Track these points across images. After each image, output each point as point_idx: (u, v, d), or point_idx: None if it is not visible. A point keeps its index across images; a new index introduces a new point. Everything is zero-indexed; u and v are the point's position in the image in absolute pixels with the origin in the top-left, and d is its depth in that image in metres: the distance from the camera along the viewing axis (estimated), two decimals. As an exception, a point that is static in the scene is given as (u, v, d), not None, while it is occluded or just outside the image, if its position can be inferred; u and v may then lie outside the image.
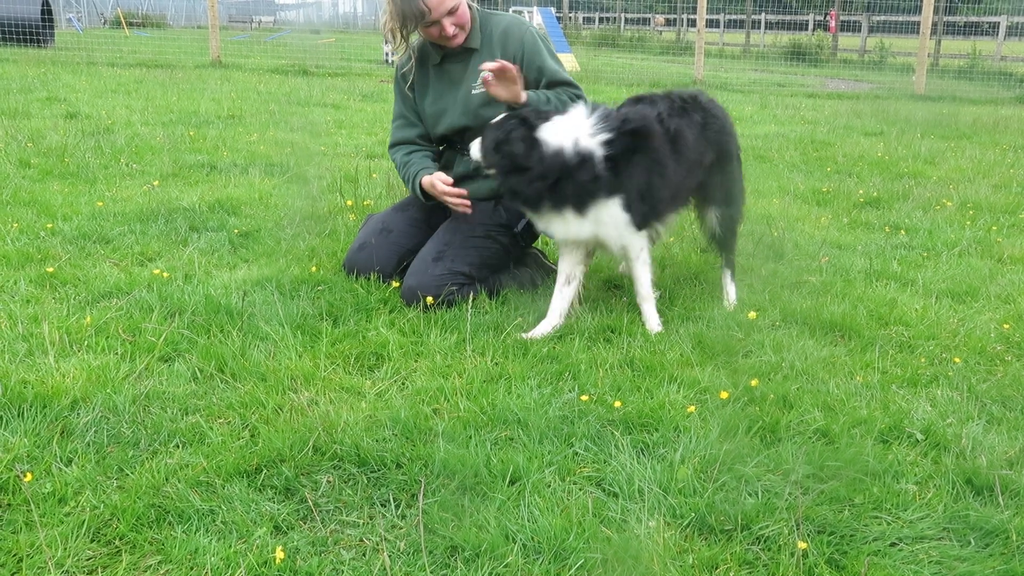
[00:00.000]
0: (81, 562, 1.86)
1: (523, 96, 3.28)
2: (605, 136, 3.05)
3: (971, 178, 6.45)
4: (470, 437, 2.38)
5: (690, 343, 3.10)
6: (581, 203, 3.08)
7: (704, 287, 3.76)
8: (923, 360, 3.04)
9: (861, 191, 5.82)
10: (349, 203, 4.86)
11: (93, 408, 2.43)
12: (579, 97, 3.45)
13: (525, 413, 2.50)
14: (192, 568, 1.85)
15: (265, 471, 2.20)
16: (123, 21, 25.44)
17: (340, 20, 42.81)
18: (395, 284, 3.49)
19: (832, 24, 23.75)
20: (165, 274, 3.56)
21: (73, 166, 5.60)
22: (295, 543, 1.94)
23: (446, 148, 3.71)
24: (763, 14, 26.28)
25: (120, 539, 1.94)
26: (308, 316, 3.18)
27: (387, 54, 16.53)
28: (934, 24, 16.45)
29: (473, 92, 3.46)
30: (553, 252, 3.97)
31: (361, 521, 2.04)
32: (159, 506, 2.04)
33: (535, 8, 18.16)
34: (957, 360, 3.03)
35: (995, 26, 21.13)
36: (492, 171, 3.15)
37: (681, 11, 26.67)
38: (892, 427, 2.53)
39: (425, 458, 2.27)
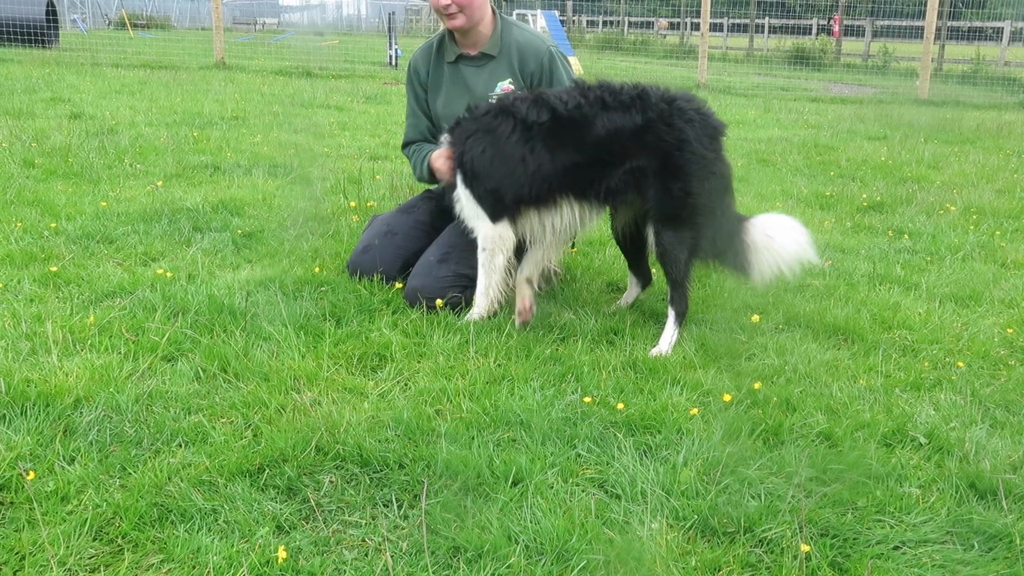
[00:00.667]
0: (83, 560, 1.86)
1: None
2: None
3: (975, 183, 6.44)
4: (473, 438, 2.37)
5: (693, 346, 3.10)
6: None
7: (706, 290, 3.76)
8: (926, 364, 3.03)
9: (864, 195, 5.81)
10: (352, 204, 4.86)
11: (96, 407, 2.43)
12: None
13: (528, 414, 2.50)
14: (194, 567, 1.85)
15: (268, 471, 2.20)
16: (127, 22, 25.50)
17: (344, 22, 42.89)
18: (398, 285, 3.49)
19: (836, 28, 23.74)
20: (168, 274, 3.56)
21: (77, 166, 5.61)
22: (297, 543, 1.94)
23: None
24: (767, 18, 26.28)
25: (122, 538, 1.94)
26: (311, 317, 3.18)
27: (391, 56, 16.55)
28: (938, 29, 16.44)
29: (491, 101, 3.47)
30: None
31: (363, 521, 2.04)
32: (161, 505, 2.04)
33: (539, 11, 18.16)
34: (961, 364, 3.03)
35: (999, 31, 21.13)
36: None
37: (685, 15, 26.68)
38: (895, 431, 2.53)
39: (428, 459, 2.26)
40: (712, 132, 3.12)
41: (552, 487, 2.18)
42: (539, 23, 16.77)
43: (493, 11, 3.55)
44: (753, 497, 2.16)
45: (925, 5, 13.84)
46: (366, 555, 1.93)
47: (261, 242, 4.17)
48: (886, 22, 22.25)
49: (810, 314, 3.43)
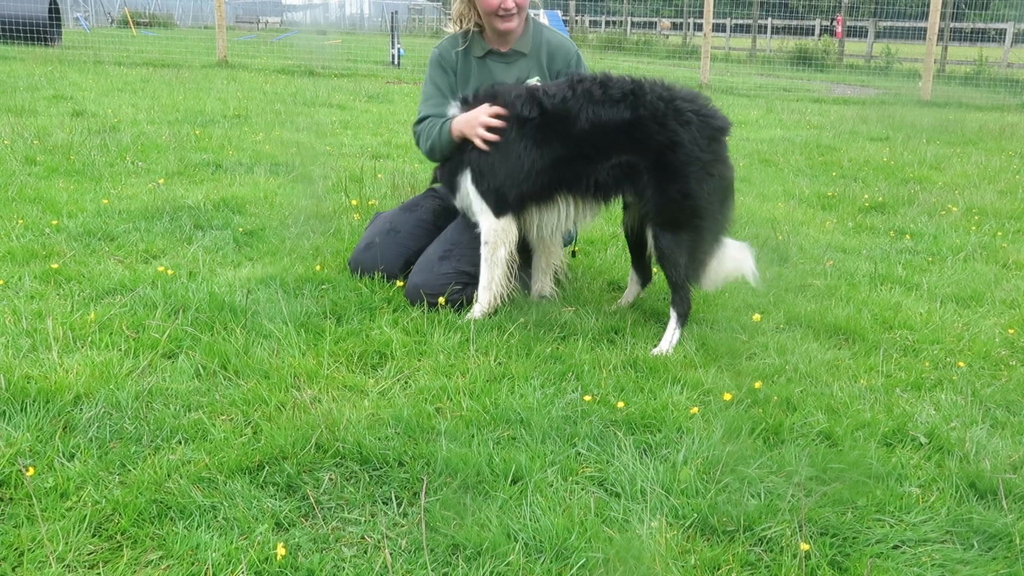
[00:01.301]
0: (82, 557, 1.86)
1: None
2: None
3: (977, 184, 6.43)
4: (472, 436, 2.37)
5: (694, 345, 3.09)
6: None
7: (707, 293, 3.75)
8: (927, 364, 3.03)
9: (866, 196, 5.81)
10: (354, 203, 4.86)
11: (96, 404, 2.43)
12: None
13: (528, 413, 2.50)
14: (193, 564, 1.85)
15: (267, 468, 2.20)
16: (130, 21, 25.50)
17: (347, 21, 42.88)
18: (399, 283, 3.49)
19: (839, 29, 23.73)
20: (169, 271, 3.56)
21: (79, 164, 5.61)
22: (296, 540, 1.94)
23: None
24: (769, 19, 26.26)
25: (121, 534, 1.94)
26: (312, 314, 3.18)
27: (393, 56, 16.55)
28: (940, 30, 16.41)
29: None
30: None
31: (363, 519, 2.04)
32: (161, 502, 2.04)
33: (542, 11, 18.14)
34: (961, 364, 3.02)
35: (1002, 33, 21.11)
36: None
37: (687, 15, 26.67)
38: (896, 430, 2.53)
39: (427, 456, 2.26)
40: (712, 134, 3.06)
41: (552, 485, 2.18)
42: (542, 22, 16.74)
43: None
44: (753, 496, 2.16)
45: (928, 6, 13.82)
46: (365, 552, 1.93)
47: (262, 240, 4.17)
48: (889, 23, 22.24)
49: (811, 314, 3.42)
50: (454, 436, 2.37)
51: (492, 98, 3.23)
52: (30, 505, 1.99)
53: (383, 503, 2.10)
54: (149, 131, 7.05)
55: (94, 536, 1.93)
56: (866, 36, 23.63)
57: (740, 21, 27.47)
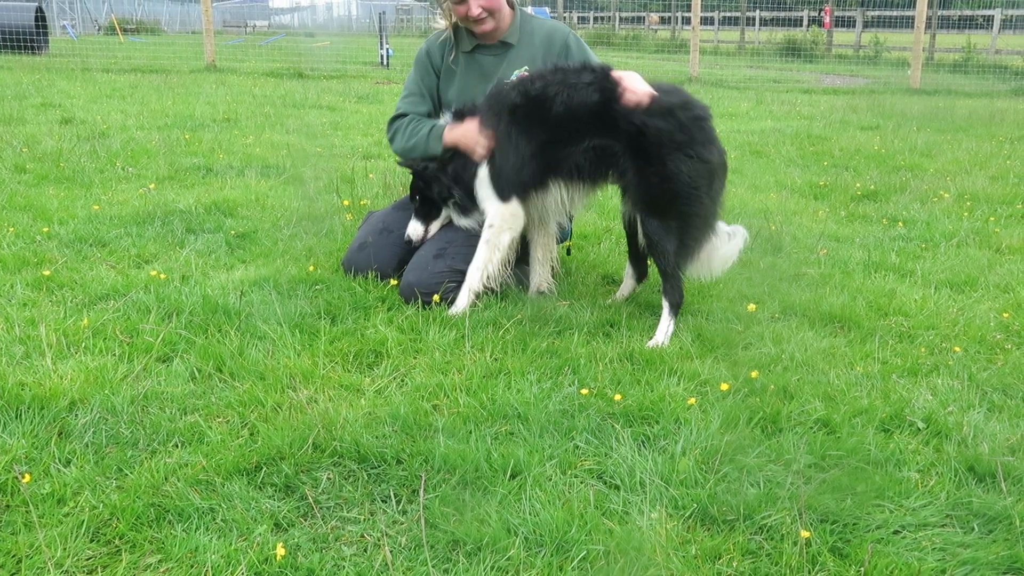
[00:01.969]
0: (80, 562, 1.85)
1: None
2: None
3: (968, 170, 6.45)
4: (470, 432, 2.37)
5: (690, 336, 3.09)
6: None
7: (701, 280, 3.75)
8: (923, 350, 3.03)
9: (858, 184, 5.82)
10: (346, 203, 4.85)
11: (91, 409, 2.42)
12: None
13: (525, 408, 2.49)
14: (192, 566, 1.84)
15: (265, 469, 2.19)
16: (117, 27, 25.41)
17: (335, 23, 42.79)
18: (393, 282, 3.48)
19: (827, 20, 23.76)
20: (162, 276, 3.55)
21: (69, 171, 5.59)
22: (296, 540, 1.93)
23: None
24: (757, 11, 26.27)
25: (119, 538, 1.93)
26: (306, 315, 3.17)
27: (382, 56, 16.52)
28: (928, 18, 16.44)
29: None
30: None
31: (362, 517, 2.03)
32: (158, 505, 2.03)
33: (530, 7, 18.15)
34: (957, 349, 3.03)
35: (989, 19, 21.14)
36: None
37: (676, 9, 26.68)
38: (893, 416, 2.53)
39: (425, 454, 2.26)
40: (687, 129, 3.07)
41: (551, 479, 2.18)
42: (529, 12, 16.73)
43: (511, 4, 3.57)
44: (752, 485, 2.16)
45: (915, -6, 13.84)
46: (365, 551, 1.92)
47: (255, 242, 4.16)
48: (877, 12, 22.28)
49: (806, 302, 3.43)
50: (452, 433, 2.37)
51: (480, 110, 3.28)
52: (27, 512, 1.98)
53: (382, 501, 2.10)
54: (139, 136, 7.02)
55: (92, 541, 1.92)
56: (854, 26, 23.67)
57: (728, 14, 27.48)
